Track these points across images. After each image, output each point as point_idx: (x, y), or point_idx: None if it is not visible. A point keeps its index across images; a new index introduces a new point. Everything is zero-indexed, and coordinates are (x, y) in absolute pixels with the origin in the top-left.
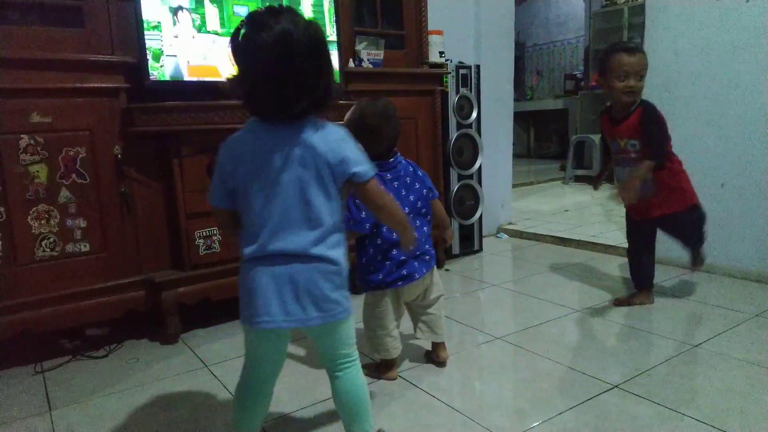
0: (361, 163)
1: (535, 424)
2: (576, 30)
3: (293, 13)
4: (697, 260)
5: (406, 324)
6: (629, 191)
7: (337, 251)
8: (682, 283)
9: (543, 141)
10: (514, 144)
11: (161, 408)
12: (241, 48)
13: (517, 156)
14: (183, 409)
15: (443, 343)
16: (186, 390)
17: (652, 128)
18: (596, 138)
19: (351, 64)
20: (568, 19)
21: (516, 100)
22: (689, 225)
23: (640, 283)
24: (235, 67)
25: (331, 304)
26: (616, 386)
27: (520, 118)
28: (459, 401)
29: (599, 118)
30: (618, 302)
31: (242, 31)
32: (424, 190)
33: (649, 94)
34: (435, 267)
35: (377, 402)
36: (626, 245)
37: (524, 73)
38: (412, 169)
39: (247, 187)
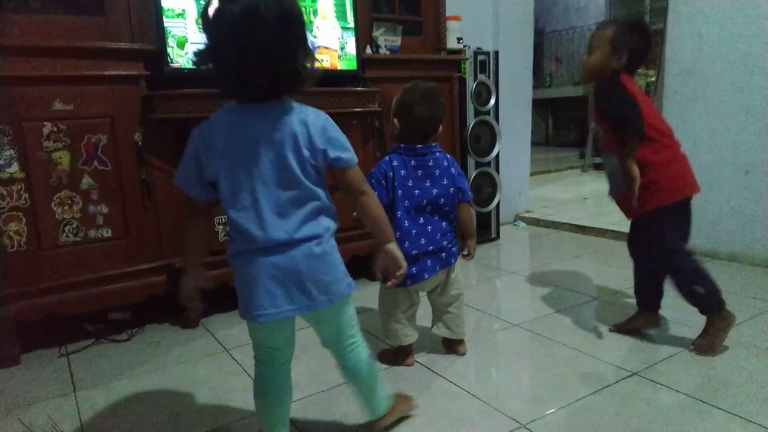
0: (344, 150)
1: (552, 410)
2: (596, 16)
3: None
4: (706, 333)
5: (425, 310)
6: (624, 184)
7: (317, 223)
8: None
9: (562, 129)
10: (532, 131)
11: (183, 390)
12: (207, 20)
13: (535, 144)
14: (204, 391)
15: (462, 339)
16: (206, 372)
17: (611, 102)
18: None
19: (368, 50)
20: (589, 5)
21: (534, 87)
22: (653, 245)
23: (640, 301)
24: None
25: (333, 285)
26: (635, 373)
27: (538, 105)
28: (476, 387)
29: None
30: (616, 328)
31: (212, 1)
32: (452, 189)
33: (672, 78)
34: (455, 264)
35: (396, 388)
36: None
37: (543, 59)
38: (446, 164)
39: (230, 175)
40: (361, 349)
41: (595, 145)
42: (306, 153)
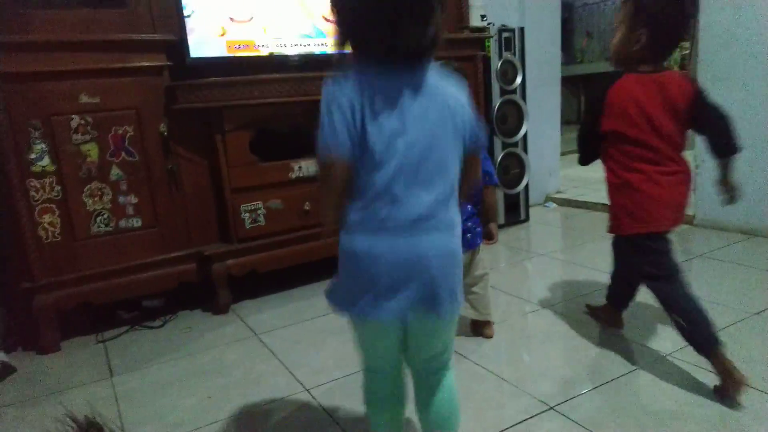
0: (482, 131)
1: (584, 392)
2: None
3: None
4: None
5: None
6: None
7: (453, 209)
8: (737, 249)
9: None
10: (563, 109)
11: (214, 374)
12: None
13: (566, 122)
14: (235, 375)
15: (488, 321)
16: (237, 357)
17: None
18: None
19: None
20: None
21: (564, 63)
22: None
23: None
24: (336, 9)
25: (458, 289)
26: (669, 354)
27: (569, 82)
28: (505, 370)
29: None
30: (588, 309)
31: None
32: None
33: (706, 48)
34: (480, 245)
35: None
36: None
37: (573, 34)
38: None
39: (380, 134)
40: (452, 379)
41: None
42: (460, 127)
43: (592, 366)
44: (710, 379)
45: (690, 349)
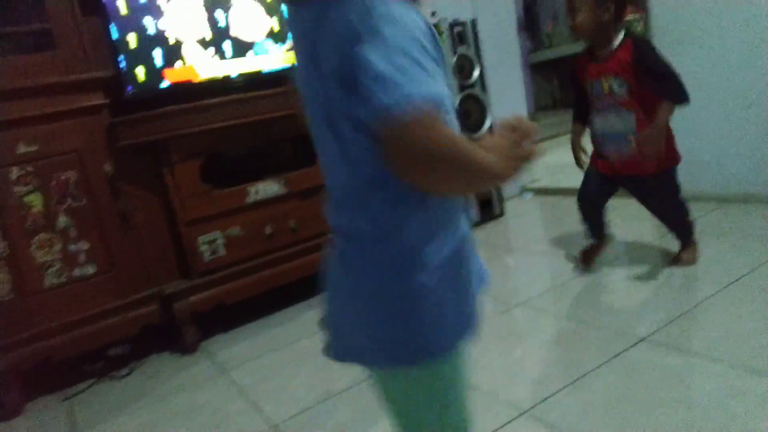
0: (385, 85)
1: (557, 390)
2: None
3: None
4: (686, 249)
5: None
6: (653, 144)
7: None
8: (711, 218)
9: (569, 89)
10: (537, 96)
11: (181, 418)
12: None
13: (542, 108)
14: (203, 417)
15: None
16: (205, 398)
17: (657, 60)
18: None
19: None
20: None
21: (533, 50)
22: (663, 197)
23: (596, 234)
24: None
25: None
26: (644, 339)
27: (541, 68)
28: (477, 377)
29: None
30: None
31: None
32: None
33: (660, 16)
34: None
35: None
36: None
37: (539, 19)
38: None
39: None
40: None
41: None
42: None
43: (564, 362)
44: (687, 360)
45: (666, 329)
